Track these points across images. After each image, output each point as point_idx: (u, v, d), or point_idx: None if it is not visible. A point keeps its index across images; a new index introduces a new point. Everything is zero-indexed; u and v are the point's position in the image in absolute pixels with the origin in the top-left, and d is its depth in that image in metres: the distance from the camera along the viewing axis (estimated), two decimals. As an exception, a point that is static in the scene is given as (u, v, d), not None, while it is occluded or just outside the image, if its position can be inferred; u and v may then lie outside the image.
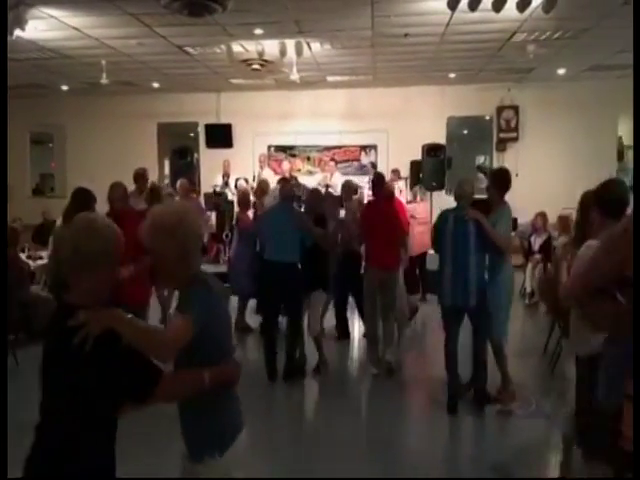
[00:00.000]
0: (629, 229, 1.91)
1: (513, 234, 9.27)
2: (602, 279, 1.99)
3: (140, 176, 7.01)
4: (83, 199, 4.48)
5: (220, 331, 2.11)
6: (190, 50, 9.19)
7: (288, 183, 7.24)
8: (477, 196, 5.38)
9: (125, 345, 1.78)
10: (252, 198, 7.98)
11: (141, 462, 3.70)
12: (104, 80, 9.75)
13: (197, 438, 2.08)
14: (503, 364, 4.94)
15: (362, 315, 6.60)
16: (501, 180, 5.03)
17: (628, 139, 12.05)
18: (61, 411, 1.80)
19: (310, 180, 11.56)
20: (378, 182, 6.24)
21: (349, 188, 7.32)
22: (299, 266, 5.73)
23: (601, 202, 2.80)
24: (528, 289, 8.65)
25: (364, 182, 11.41)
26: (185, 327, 1.95)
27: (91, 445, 1.82)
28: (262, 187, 7.82)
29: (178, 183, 8.62)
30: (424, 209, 9.34)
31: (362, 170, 12.74)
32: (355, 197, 7.55)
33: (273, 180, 10.78)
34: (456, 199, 5.03)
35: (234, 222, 8.25)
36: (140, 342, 1.84)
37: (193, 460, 2.07)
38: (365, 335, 6.42)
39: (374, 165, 12.73)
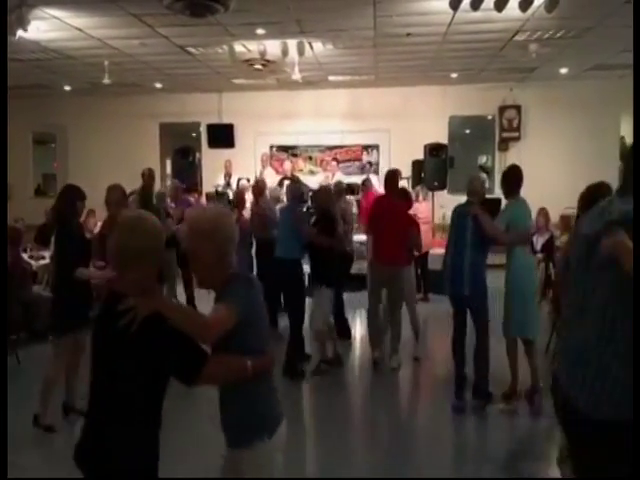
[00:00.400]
0: None
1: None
2: None
3: (144, 176, 7.03)
4: (68, 196, 4.45)
5: (258, 324, 2.22)
6: (192, 50, 9.20)
7: (297, 183, 7.32)
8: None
9: (171, 327, 1.89)
10: (248, 197, 8.00)
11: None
12: (106, 80, 9.76)
13: (247, 424, 2.17)
14: (513, 363, 4.93)
15: (337, 316, 6.67)
16: (505, 178, 5.12)
17: (631, 138, 12.03)
18: (112, 393, 1.91)
19: (312, 180, 11.56)
20: (390, 179, 6.21)
21: (339, 188, 7.50)
22: (301, 263, 5.87)
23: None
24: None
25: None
26: (228, 316, 2.07)
27: (138, 427, 1.92)
28: (260, 186, 7.71)
29: (169, 185, 8.65)
30: (426, 209, 9.34)
31: (364, 170, 12.72)
32: (347, 197, 7.75)
33: (274, 180, 10.82)
34: (467, 195, 5.15)
35: None
36: (185, 324, 1.95)
37: (240, 447, 2.16)
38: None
39: (371, 164, 12.74)
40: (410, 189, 10.95)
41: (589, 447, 2.02)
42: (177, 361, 1.94)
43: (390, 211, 5.94)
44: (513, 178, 5.04)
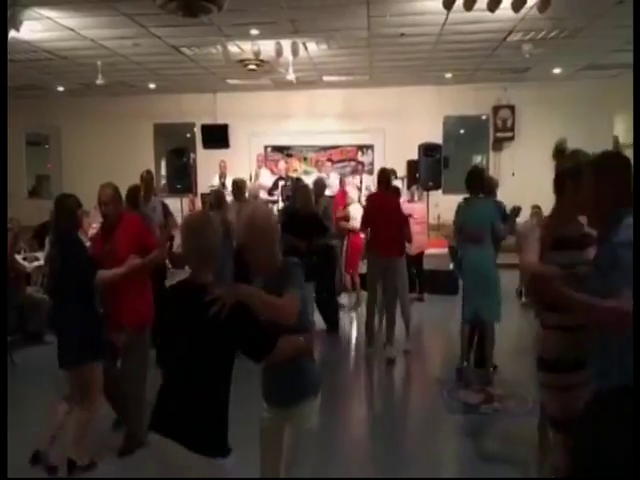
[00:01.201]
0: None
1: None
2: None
3: (143, 179, 6.96)
4: (67, 207, 3.90)
5: (307, 304, 2.57)
6: (186, 51, 9.19)
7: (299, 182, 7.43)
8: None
9: (252, 312, 2.20)
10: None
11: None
12: (100, 81, 9.73)
13: (298, 386, 2.56)
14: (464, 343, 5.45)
15: (321, 311, 6.96)
16: (466, 180, 5.44)
17: (624, 138, 12.07)
18: (196, 370, 2.17)
19: (307, 181, 11.55)
20: (383, 177, 6.45)
21: (320, 185, 7.62)
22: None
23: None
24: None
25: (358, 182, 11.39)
26: (297, 299, 2.41)
27: (217, 397, 2.22)
28: (239, 187, 7.48)
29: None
30: (421, 209, 9.35)
31: (359, 170, 12.72)
32: (327, 194, 7.94)
33: (270, 181, 10.82)
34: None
35: None
36: (266, 309, 2.26)
37: (290, 405, 2.55)
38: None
39: (363, 165, 12.75)
40: (405, 189, 10.99)
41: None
42: (256, 341, 2.25)
43: (385, 206, 6.23)
44: (472, 180, 5.39)
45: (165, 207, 7.16)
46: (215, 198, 7.21)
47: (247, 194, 7.78)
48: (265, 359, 2.34)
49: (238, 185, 7.51)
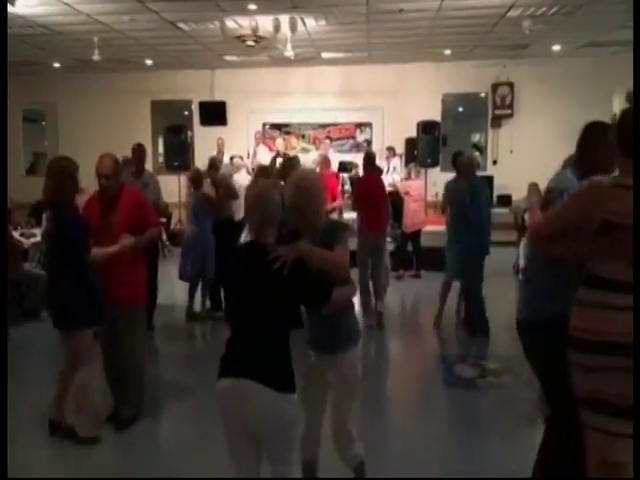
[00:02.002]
0: (590, 187, 2.43)
1: (507, 210, 9.65)
2: (567, 225, 2.49)
3: (134, 152, 6.65)
4: (66, 171, 3.81)
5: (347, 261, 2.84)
6: (183, 26, 9.10)
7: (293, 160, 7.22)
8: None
9: (310, 267, 2.46)
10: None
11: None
12: (96, 57, 9.65)
13: (346, 335, 2.87)
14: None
15: None
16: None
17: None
18: (262, 320, 2.45)
19: (305, 158, 11.53)
20: (369, 159, 6.97)
21: (292, 163, 7.68)
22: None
23: (624, 137, 2.42)
24: (521, 265, 8.69)
25: (359, 160, 11.36)
26: (346, 253, 2.73)
27: (283, 343, 2.49)
28: (214, 164, 7.46)
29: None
30: (418, 186, 9.36)
31: (357, 148, 12.68)
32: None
33: (268, 157, 10.79)
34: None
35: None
36: (324, 263, 2.53)
37: (337, 352, 2.84)
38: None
39: (369, 142, 12.69)
40: (403, 166, 10.99)
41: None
42: (314, 292, 2.54)
43: (371, 187, 6.73)
44: (453, 163, 6.56)
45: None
46: (194, 176, 7.15)
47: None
48: (323, 308, 2.59)
49: (213, 163, 7.48)
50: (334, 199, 7.84)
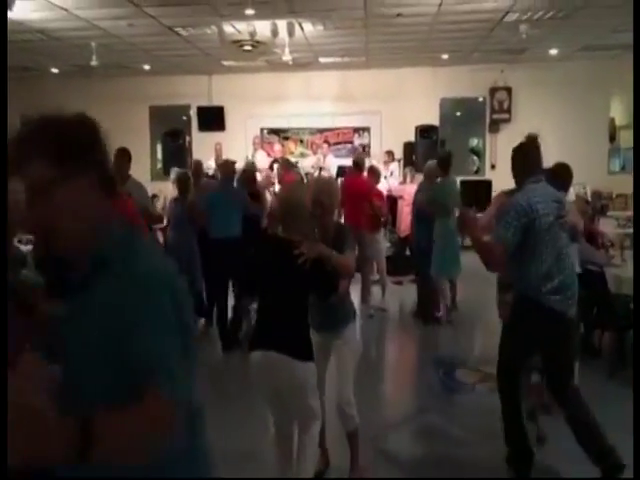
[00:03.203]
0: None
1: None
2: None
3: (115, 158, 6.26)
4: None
5: None
6: (181, 31, 9.11)
7: (231, 164, 6.82)
8: (468, 178, 5.57)
9: (326, 265, 2.95)
10: None
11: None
12: (94, 62, 9.66)
13: (347, 314, 3.44)
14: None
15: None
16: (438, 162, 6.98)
17: (620, 120, 12.06)
18: (286, 302, 2.97)
19: (303, 163, 11.53)
20: (358, 164, 7.53)
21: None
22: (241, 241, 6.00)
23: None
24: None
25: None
26: (354, 258, 3.31)
27: (303, 320, 3.02)
28: (197, 169, 7.28)
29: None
30: (413, 190, 9.35)
31: (355, 152, 12.66)
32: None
33: (266, 162, 10.79)
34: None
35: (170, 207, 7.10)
36: (338, 267, 3.03)
37: (340, 328, 3.39)
38: None
39: (364, 147, 12.70)
40: (401, 170, 10.99)
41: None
42: (327, 284, 3.02)
43: (351, 187, 7.15)
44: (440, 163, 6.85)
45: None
46: (179, 183, 6.67)
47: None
48: (332, 296, 3.10)
49: (197, 168, 7.37)
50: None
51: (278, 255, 3.01)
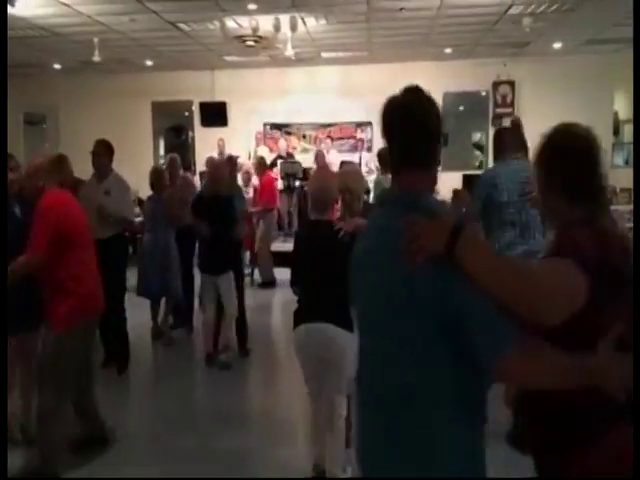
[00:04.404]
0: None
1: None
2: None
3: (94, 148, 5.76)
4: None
5: None
6: (183, 27, 9.09)
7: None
8: (472, 172, 5.53)
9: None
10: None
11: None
12: (96, 58, 9.64)
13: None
14: None
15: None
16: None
17: (624, 114, 12.01)
18: (330, 277, 3.15)
19: (307, 158, 11.52)
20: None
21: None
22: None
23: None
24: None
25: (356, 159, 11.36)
26: None
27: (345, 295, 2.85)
28: (172, 165, 6.87)
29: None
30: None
31: (357, 148, 12.66)
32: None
33: (269, 158, 10.78)
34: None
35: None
36: None
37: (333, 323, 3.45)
38: None
39: (362, 141, 12.68)
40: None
41: None
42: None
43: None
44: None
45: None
46: (150, 178, 6.24)
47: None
48: None
49: (173, 163, 6.82)
50: None
51: (319, 234, 3.37)
